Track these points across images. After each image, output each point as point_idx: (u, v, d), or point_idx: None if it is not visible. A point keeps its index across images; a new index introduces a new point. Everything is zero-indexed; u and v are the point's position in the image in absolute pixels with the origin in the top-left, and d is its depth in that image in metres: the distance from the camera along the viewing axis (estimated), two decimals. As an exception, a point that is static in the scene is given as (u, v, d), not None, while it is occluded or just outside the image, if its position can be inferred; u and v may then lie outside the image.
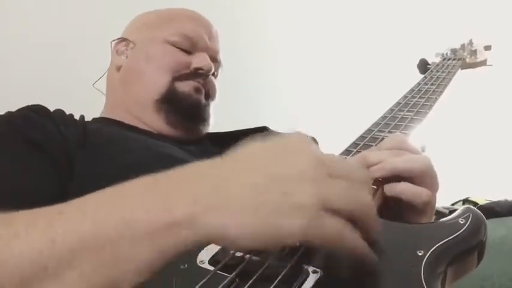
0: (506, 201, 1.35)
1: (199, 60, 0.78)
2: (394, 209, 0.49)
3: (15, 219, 0.32)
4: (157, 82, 0.76)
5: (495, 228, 0.95)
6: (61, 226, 0.31)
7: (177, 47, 0.78)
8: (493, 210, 1.30)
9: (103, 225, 0.30)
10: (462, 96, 1.23)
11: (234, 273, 0.35)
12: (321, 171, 0.33)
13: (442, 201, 0.54)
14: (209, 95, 0.81)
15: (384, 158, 0.49)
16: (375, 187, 0.47)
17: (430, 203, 0.49)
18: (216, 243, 0.32)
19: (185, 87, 0.77)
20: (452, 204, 1.49)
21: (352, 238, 0.33)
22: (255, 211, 0.30)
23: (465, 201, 1.45)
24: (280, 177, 0.32)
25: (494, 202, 1.37)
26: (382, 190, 0.49)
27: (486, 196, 1.43)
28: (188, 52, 0.79)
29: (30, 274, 0.29)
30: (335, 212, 0.32)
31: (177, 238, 0.30)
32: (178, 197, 0.31)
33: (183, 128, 0.77)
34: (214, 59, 0.82)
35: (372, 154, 0.51)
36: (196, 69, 0.78)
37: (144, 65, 0.78)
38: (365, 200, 0.35)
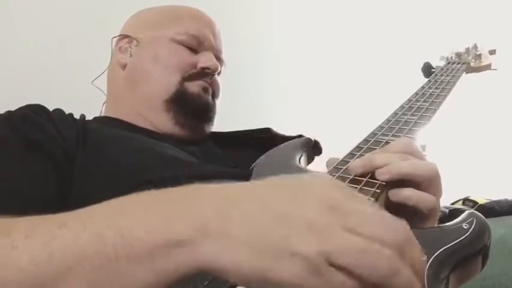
0: (506, 201, 1.35)
1: (206, 59, 0.78)
2: (397, 214, 0.49)
3: (14, 229, 0.32)
4: (166, 82, 0.76)
5: (495, 228, 0.95)
6: (60, 240, 0.30)
7: (184, 46, 0.78)
8: (493, 210, 1.31)
9: (101, 242, 0.30)
10: (462, 96, 1.23)
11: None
12: (333, 221, 0.29)
13: (442, 200, 0.54)
14: (215, 94, 0.81)
15: (391, 161, 0.48)
16: (378, 191, 0.47)
17: (434, 209, 0.49)
18: (210, 272, 0.30)
19: (194, 87, 0.77)
20: (452, 204, 1.49)
21: None
22: (252, 247, 0.28)
23: (465, 200, 1.45)
24: (286, 218, 0.29)
25: (495, 201, 1.37)
26: (386, 194, 0.49)
27: (486, 195, 1.43)
28: (194, 51, 0.79)
29: (27, 287, 0.29)
30: (341, 269, 0.28)
31: (174, 261, 0.29)
32: (179, 218, 0.30)
33: (190, 127, 0.77)
34: (219, 58, 0.82)
35: (378, 156, 0.50)
36: (203, 68, 0.78)
37: (152, 64, 0.78)
38: (387, 264, 0.28)
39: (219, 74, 0.84)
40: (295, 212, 0.30)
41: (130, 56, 0.81)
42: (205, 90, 0.78)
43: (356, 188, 0.47)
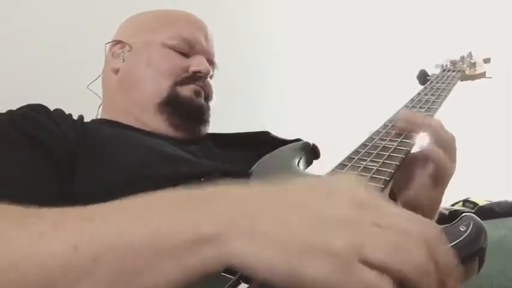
0: (506, 202, 1.35)
1: (197, 63, 0.79)
2: (404, 180, 0.54)
3: (42, 217, 0.32)
4: (158, 87, 0.77)
5: (495, 229, 0.95)
6: (88, 232, 0.31)
7: (175, 51, 0.79)
8: (494, 211, 1.31)
9: (129, 235, 0.30)
10: (462, 96, 1.23)
11: (238, 275, 0.36)
12: (364, 218, 0.29)
13: (442, 201, 0.56)
14: (208, 97, 0.82)
15: (433, 124, 0.57)
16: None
17: (450, 177, 0.57)
18: (237, 269, 0.30)
19: (186, 91, 0.78)
20: (452, 205, 1.49)
21: None
22: (280, 246, 0.28)
23: (465, 201, 1.45)
24: (316, 217, 0.29)
25: (495, 203, 1.37)
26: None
27: (486, 197, 1.43)
28: (186, 55, 0.80)
29: (55, 277, 0.29)
30: (372, 266, 0.28)
31: (200, 256, 0.29)
32: (208, 215, 0.31)
33: (184, 129, 0.78)
34: (211, 62, 0.83)
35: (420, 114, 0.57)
36: (195, 72, 0.79)
37: (144, 69, 0.79)
38: (414, 262, 0.28)
39: (211, 77, 0.85)
40: (326, 211, 0.30)
41: (123, 61, 0.81)
42: (197, 93, 0.79)
43: (369, 174, 0.50)
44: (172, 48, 0.79)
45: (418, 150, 0.56)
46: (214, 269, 0.30)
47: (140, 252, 0.29)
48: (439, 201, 0.54)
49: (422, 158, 0.57)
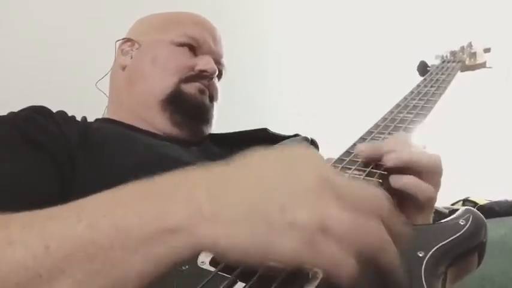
0: (506, 201, 1.35)
1: (204, 62, 0.79)
2: (395, 201, 0.50)
3: (11, 222, 0.32)
4: (162, 83, 0.77)
5: (495, 228, 0.95)
6: (56, 232, 0.30)
7: (183, 49, 0.79)
8: (493, 210, 1.31)
9: (96, 232, 0.30)
10: (462, 96, 1.23)
11: (234, 274, 0.36)
12: (327, 191, 0.30)
13: (442, 201, 0.54)
14: (213, 97, 0.82)
15: (397, 149, 0.49)
16: (380, 181, 0.48)
17: (432, 200, 0.50)
18: (208, 252, 0.31)
19: (190, 88, 0.78)
20: (452, 204, 1.48)
21: (349, 272, 0.29)
22: (247, 224, 0.29)
23: (465, 201, 1.45)
24: (280, 191, 0.29)
25: (495, 202, 1.37)
26: (385, 185, 0.49)
27: (486, 196, 1.43)
28: (193, 54, 0.80)
29: (26, 281, 0.29)
30: (336, 238, 0.28)
31: (169, 247, 0.29)
32: (172, 205, 0.30)
33: (187, 128, 0.78)
34: (218, 62, 0.83)
35: (385, 143, 0.51)
36: (201, 71, 0.79)
37: (150, 66, 0.79)
38: (371, 223, 0.30)
39: (219, 78, 0.85)
40: (289, 184, 0.30)
41: (131, 58, 0.82)
42: (201, 92, 0.79)
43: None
44: (180, 46, 0.79)
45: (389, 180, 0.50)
46: (187, 257, 0.30)
47: (109, 247, 0.29)
48: (429, 220, 0.52)
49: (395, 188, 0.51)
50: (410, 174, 0.48)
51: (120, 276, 0.29)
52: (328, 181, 0.30)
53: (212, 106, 0.82)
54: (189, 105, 0.77)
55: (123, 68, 0.83)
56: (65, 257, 0.29)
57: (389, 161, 0.48)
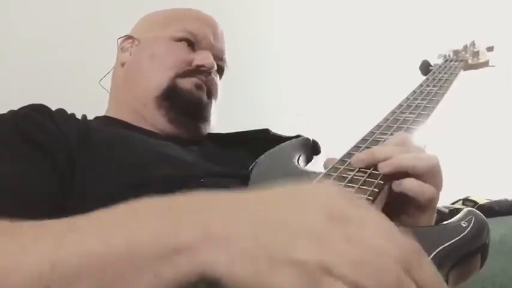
0: (506, 201, 1.35)
1: (202, 57, 0.78)
2: (396, 205, 0.50)
3: (22, 232, 0.32)
4: (158, 79, 0.76)
5: (495, 228, 0.95)
6: (65, 248, 0.30)
7: (182, 44, 0.78)
8: (493, 210, 1.31)
9: (107, 250, 0.30)
10: (462, 95, 1.23)
11: None
12: (335, 231, 0.28)
13: (442, 200, 0.54)
14: (211, 93, 0.80)
15: (392, 154, 0.49)
16: (377, 190, 0.47)
17: (434, 200, 0.49)
18: (209, 277, 0.30)
19: (186, 83, 0.76)
20: (453, 204, 1.48)
21: None
22: (250, 255, 0.28)
23: (465, 200, 1.45)
24: (287, 226, 0.29)
25: (494, 201, 1.37)
26: (388, 188, 0.49)
27: (486, 195, 1.43)
28: (192, 49, 0.79)
29: None
30: (338, 278, 0.27)
31: (175, 267, 0.29)
32: (184, 225, 0.30)
33: (184, 125, 0.76)
34: (219, 58, 0.82)
35: (379, 150, 0.51)
36: (199, 66, 0.77)
37: (147, 62, 0.78)
38: (389, 277, 0.27)
39: (220, 75, 0.84)
40: (296, 221, 0.29)
41: (130, 54, 0.82)
42: (198, 87, 0.77)
43: (356, 185, 0.48)
44: (179, 40, 0.78)
45: (391, 183, 0.50)
46: (189, 279, 0.29)
47: (118, 264, 0.29)
48: (431, 221, 0.52)
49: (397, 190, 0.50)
50: (410, 176, 0.48)
51: None
52: (337, 220, 0.29)
53: (210, 103, 0.80)
54: (185, 100, 0.76)
55: (123, 65, 0.82)
56: (74, 271, 0.29)
57: (383, 168, 0.48)
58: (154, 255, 0.29)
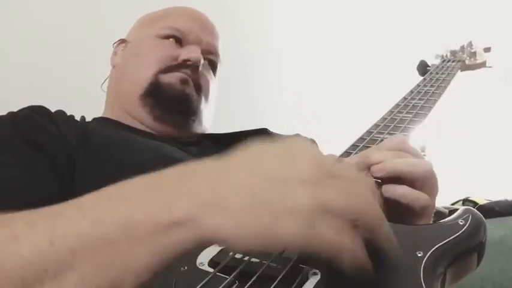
0: (506, 201, 1.35)
1: (188, 51, 0.76)
2: (391, 210, 0.49)
3: (14, 220, 0.32)
4: (142, 76, 0.75)
5: (495, 228, 0.95)
6: (60, 227, 0.31)
7: (168, 40, 0.78)
8: (493, 210, 1.30)
9: (102, 226, 0.30)
10: (462, 96, 1.23)
11: (233, 275, 0.36)
12: (321, 173, 0.32)
13: (442, 201, 0.53)
14: (200, 88, 0.78)
15: (386, 159, 0.48)
16: (379, 181, 0.48)
17: (428, 207, 0.49)
18: (214, 242, 0.32)
19: (169, 78, 0.75)
20: (452, 204, 1.48)
21: (351, 247, 0.31)
22: (251, 212, 0.30)
23: (465, 201, 1.45)
24: (279, 179, 0.31)
25: (494, 202, 1.36)
26: (381, 191, 0.49)
27: (486, 196, 1.43)
28: (180, 46, 0.78)
29: (31, 276, 0.29)
30: (336, 214, 0.30)
31: (175, 239, 0.30)
32: (177, 198, 0.31)
33: (170, 122, 0.75)
34: (209, 52, 0.81)
35: (373, 153, 0.50)
36: (185, 60, 0.76)
37: (133, 61, 0.79)
38: (365, 197, 0.33)
39: (214, 70, 0.83)
40: (287, 172, 0.31)
41: (120, 57, 0.83)
42: (183, 81, 0.76)
43: None
44: (165, 38, 0.78)
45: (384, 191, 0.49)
46: (189, 248, 0.30)
47: (116, 242, 0.30)
48: (429, 220, 0.52)
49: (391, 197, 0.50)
50: (403, 182, 0.48)
51: (127, 268, 0.30)
52: (321, 164, 0.32)
53: (199, 98, 0.78)
54: (167, 96, 0.74)
55: (114, 67, 0.84)
56: (71, 251, 0.29)
57: (376, 172, 0.48)
58: (151, 230, 0.30)
